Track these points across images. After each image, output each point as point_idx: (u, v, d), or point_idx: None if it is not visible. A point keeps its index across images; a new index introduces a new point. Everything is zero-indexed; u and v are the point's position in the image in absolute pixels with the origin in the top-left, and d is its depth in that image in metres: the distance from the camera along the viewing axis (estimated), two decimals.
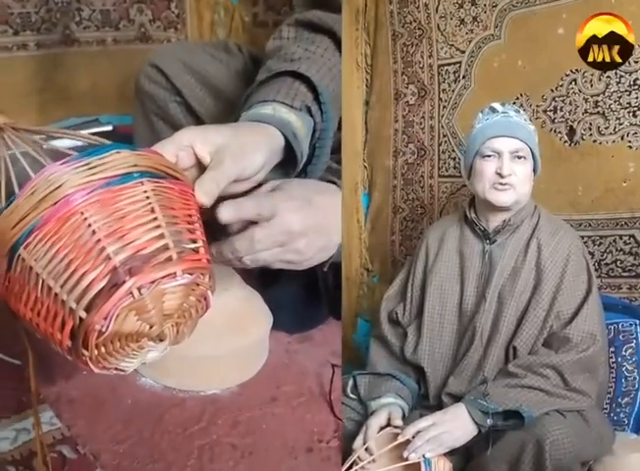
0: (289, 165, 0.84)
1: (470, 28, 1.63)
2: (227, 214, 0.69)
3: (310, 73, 0.88)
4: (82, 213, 0.57)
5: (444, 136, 1.71)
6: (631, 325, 1.28)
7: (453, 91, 1.68)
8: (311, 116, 0.86)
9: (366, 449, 1.03)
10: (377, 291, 1.83)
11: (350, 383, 1.17)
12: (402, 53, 1.78)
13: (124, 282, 0.56)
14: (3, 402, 0.75)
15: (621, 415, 1.24)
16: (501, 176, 1.13)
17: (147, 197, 0.60)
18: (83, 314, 0.56)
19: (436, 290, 1.21)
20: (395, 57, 1.79)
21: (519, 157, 1.14)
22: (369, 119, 1.86)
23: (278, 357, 1.06)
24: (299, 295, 1.13)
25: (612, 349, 1.25)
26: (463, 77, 1.65)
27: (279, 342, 1.09)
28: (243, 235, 0.74)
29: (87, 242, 0.57)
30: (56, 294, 0.57)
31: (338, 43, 0.96)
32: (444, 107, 1.71)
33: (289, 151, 0.82)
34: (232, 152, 0.71)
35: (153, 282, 0.58)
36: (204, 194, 0.67)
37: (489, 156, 1.15)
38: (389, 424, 1.07)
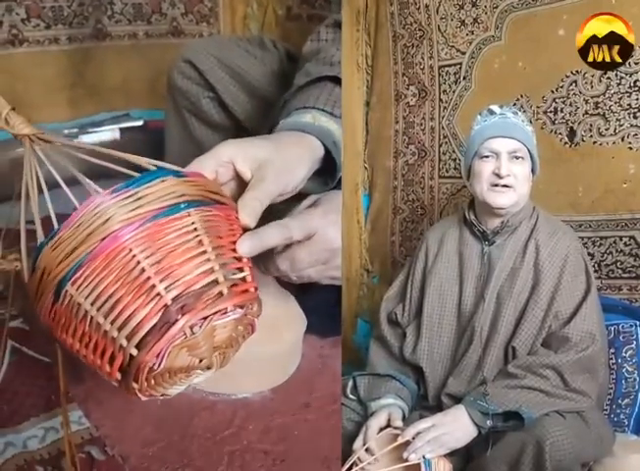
0: (327, 173, 0.83)
1: (471, 30, 1.63)
2: (246, 247, 0.65)
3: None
4: (131, 250, 0.56)
5: (444, 137, 1.71)
6: (631, 326, 1.27)
7: (453, 92, 1.68)
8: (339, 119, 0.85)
9: (366, 450, 1.03)
10: (377, 292, 1.83)
11: (350, 384, 1.17)
12: (403, 54, 1.78)
13: (176, 320, 0.56)
14: (32, 400, 0.75)
15: (621, 416, 1.24)
16: (499, 176, 1.13)
17: (195, 229, 0.60)
18: (134, 351, 0.56)
19: (435, 291, 1.22)
20: (395, 58, 1.79)
21: (517, 157, 1.14)
22: (370, 120, 1.86)
23: (311, 362, 1.02)
24: (333, 299, 1.11)
25: (612, 350, 1.25)
26: (464, 78, 1.65)
27: (312, 347, 1.04)
28: (286, 255, 0.74)
29: (137, 279, 0.56)
30: (105, 331, 0.57)
31: None
32: (444, 108, 1.71)
33: (327, 160, 0.80)
34: (274, 169, 0.70)
35: (205, 318, 0.58)
36: (247, 216, 0.66)
37: (487, 156, 1.15)
38: (389, 425, 1.08)
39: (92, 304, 0.57)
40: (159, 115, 1.42)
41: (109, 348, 0.57)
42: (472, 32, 1.63)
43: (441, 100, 1.71)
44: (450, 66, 1.69)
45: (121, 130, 1.70)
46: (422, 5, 1.71)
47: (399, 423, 1.07)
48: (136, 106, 1.77)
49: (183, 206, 0.59)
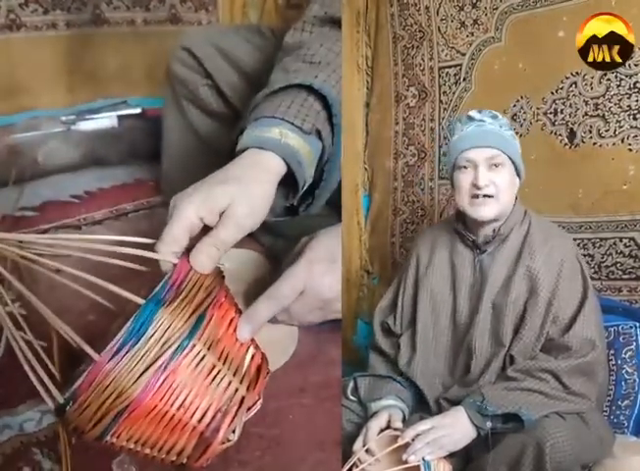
0: (290, 189, 0.81)
1: (471, 31, 1.63)
2: (246, 334, 0.69)
3: (326, 88, 0.82)
4: (156, 406, 0.61)
5: (444, 139, 1.71)
6: (631, 327, 1.27)
7: (453, 94, 1.68)
8: (321, 139, 0.82)
9: (367, 451, 1.03)
10: (377, 293, 1.83)
11: (351, 384, 1.17)
12: (403, 55, 1.78)
13: (211, 442, 0.64)
14: (29, 384, 0.75)
15: (621, 418, 1.24)
16: (477, 187, 1.11)
17: (203, 356, 0.64)
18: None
19: (428, 302, 1.20)
20: (395, 59, 1.79)
21: (496, 165, 1.12)
22: (370, 121, 1.86)
23: (307, 347, 1.02)
24: None
25: (611, 352, 1.25)
26: (464, 79, 1.66)
27: (308, 332, 1.03)
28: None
29: (172, 421, 0.63)
30: (154, 457, 0.65)
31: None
32: (444, 109, 1.71)
33: (292, 176, 0.78)
34: (237, 216, 0.69)
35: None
36: (200, 263, 0.66)
37: (465, 167, 1.13)
38: (389, 426, 1.08)
39: (136, 442, 0.63)
40: (157, 102, 1.41)
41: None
42: (472, 34, 1.63)
43: (441, 101, 1.72)
44: (450, 67, 1.69)
45: (118, 117, 1.68)
46: (422, 6, 1.71)
47: (399, 424, 1.06)
48: (134, 93, 1.74)
49: (185, 343, 0.62)
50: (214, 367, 0.65)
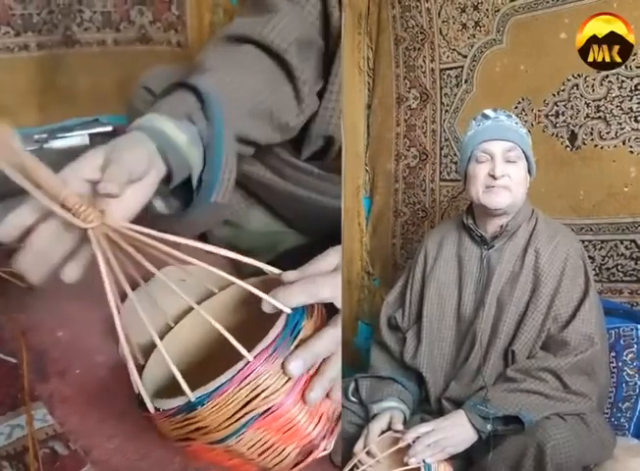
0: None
1: (472, 33, 1.63)
2: (297, 369, 0.65)
3: (199, 82, 0.84)
4: (290, 410, 0.63)
5: (445, 140, 1.72)
6: (632, 329, 1.27)
7: (454, 95, 1.68)
8: (194, 123, 0.83)
9: (367, 453, 1.03)
10: (378, 295, 1.83)
11: (352, 386, 1.17)
12: (405, 57, 1.78)
13: (315, 450, 0.66)
14: None
15: (622, 420, 1.24)
16: (494, 177, 1.13)
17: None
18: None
19: (434, 296, 1.21)
20: (397, 61, 1.79)
21: (512, 159, 1.14)
22: (371, 122, 1.86)
23: None
24: None
25: (612, 354, 1.25)
26: (465, 81, 1.66)
27: None
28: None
29: (294, 427, 0.64)
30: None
31: (264, 48, 0.92)
32: (446, 111, 1.71)
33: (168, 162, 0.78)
34: (116, 156, 0.70)
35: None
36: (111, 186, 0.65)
37: (482, 159, 1.16)
38: (390, 428, 1.08)
39: (249, 449, 0.63)
40: (128, 120, 1.43)
41: None
42: (474, 36, 1.63)
43: (442, 103, 1.72)
44: (451, 69, 1.69)
45: (90, 135, 1.70)
46: (424, 8, 1.71)
47: (399, 426, 1.07)
48: (106, 111, 1.77)
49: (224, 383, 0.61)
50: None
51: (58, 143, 1.65)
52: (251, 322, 0.71)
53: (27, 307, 1.02)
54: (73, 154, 0.70)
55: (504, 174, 1.13)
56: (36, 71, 1.71)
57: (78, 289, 0.99)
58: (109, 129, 1.73)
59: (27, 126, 1.68)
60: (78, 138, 1.69)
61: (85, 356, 0.94)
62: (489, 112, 1.20)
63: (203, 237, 1.16)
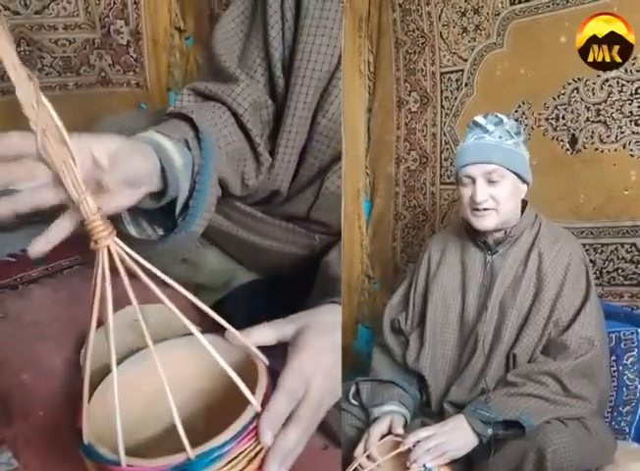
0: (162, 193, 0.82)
1: (473, 36, 1.63)
2: (270, 437, 0.64)
3: (193, 115, 0.89)
4: None
5: (446, 144, 1.72)
6: (632, 333, 1.27)
7: (455, 99, 1.68)
8: (189, 149, 0.86)
9: (368, 457, 1.03)
10: (378, 298, 1.83)
11: (352, 389, 1.17)
12: (405, 60, 1.78)
13: None
14: None
15: (622, 424, 1.24)
16: (475, 202, 1.13)
17: None
18: None
19: (438, 300, 1.22)
20: (397, 64, 1.80)
21: (494, 179, 1.12)
22: (371, 126, 1.86)
23: None
24: None
25: (613, 358, 1.25)
26: (466, 84, 1.66)
27: None
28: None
29: None
30: None
31: (234, 113, 0.97)
32: (446, 114, 1.71)
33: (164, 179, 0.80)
34: (125, 155, 0.71)
35: None
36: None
37: (465, 183, 1.15)
38: (390, 432, 1.08)
39: None
40: None
41: None
42: (474, 39, 1.63)
43: (442, 107, 1.72)
44: (451, 72, 1.69)
45: None
46: (424, 12, 1.71)
47: (400, 430, 1.07)
48: None
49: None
50: None
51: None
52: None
53: None
54: None
55: (486, 198, 1.12)
56: (1, 115, 1.72)
57: (40, 332, 1.03)
58: None
59: None
60: None
61: (49, 398, 0.93)
62: (479, 119, 1.16)
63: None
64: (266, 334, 0.72)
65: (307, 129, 1.02)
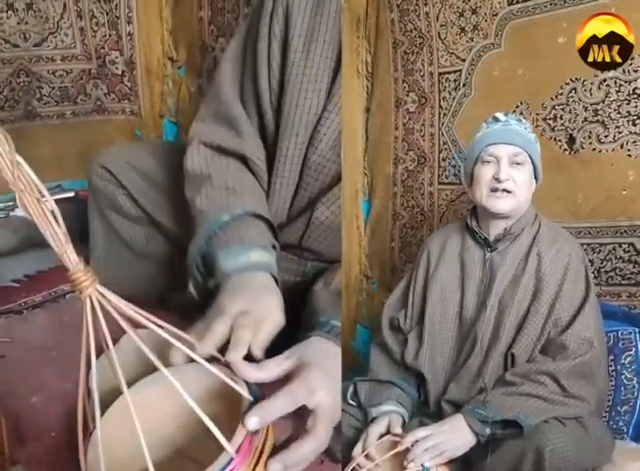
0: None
1: (471, 37, 1.63)
2: (254, 423, 0.65)
3: (264, 211, 1.01)
4: None
5: (444, 144, 1.72)
6: (630, 333, 1.28)
7: (453, 99, 1.69)
8: (275, 250, 0.97)
9: (366, 456, 1.03)
10: (376, 298, 1.83)
11: (351, 389, 1.17)
12: (403, 61, 1.78)
13: None
14: None
15: (620, 423, 1.24)
16: (498, 180, 1.14)
17: None
18: None
19: (437, 298, 1.22)
20: (395, 65, 1.80)
21: (517, 163, 1.15)
22: (370, 126, 1.86)
23: None
24: None
25: (611, 357, 1.25)
26: (464, 85, 1.66)
27: None
28: None
29: None
30: None
31: (247, 164, 1.07)
32: (444, 115, 1.71)
33: None
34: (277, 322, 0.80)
35: None
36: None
37: (487, 161, 1.17)
38: (388, 431, 1.08)
39: None
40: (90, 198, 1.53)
41: None
42: (472, 39, 1.63)
43: (440, 107, 1.72)
44: (449, 73, 1.69)
45: (55, 201, 1.77)
46: (422, 12, 1.71)
47: (398, 430, 1.07)
48: (68, 177, 1.90)
49: None
50: None
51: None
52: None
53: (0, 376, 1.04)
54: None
55: (508, 177, 1.14)
56: None
57: (47, 357, 1.06)
58: (71, 194, 1.86)
59: None
60: None
61: (61, 420, 0.94)
62: (499, 115, 1.21)
63: None
64: (274, 371, 0.72)
65: (300, 166, 1.08)
